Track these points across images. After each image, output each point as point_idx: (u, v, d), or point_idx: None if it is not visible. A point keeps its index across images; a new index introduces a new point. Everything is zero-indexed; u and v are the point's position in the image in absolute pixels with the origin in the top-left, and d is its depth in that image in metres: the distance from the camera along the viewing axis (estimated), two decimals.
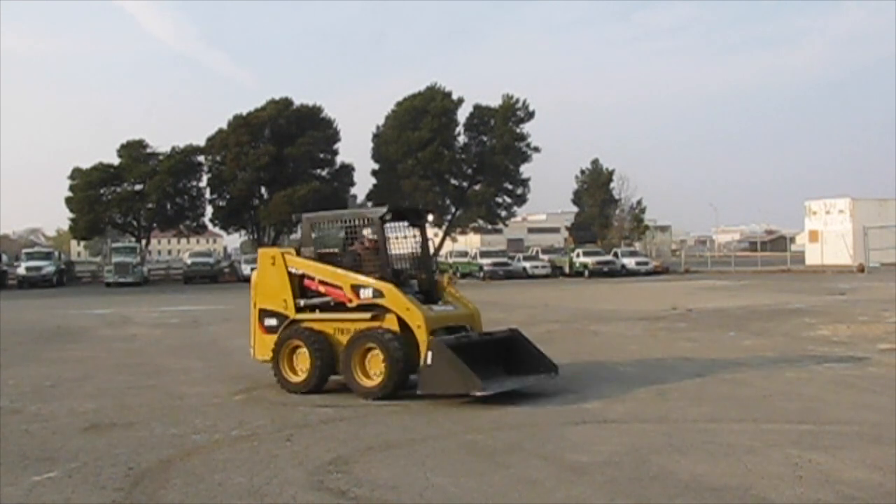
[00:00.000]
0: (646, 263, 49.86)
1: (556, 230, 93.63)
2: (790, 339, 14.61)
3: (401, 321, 9.34)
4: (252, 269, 46.19)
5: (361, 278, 9.61)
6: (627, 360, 12.34)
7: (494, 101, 60.00)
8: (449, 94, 58.93)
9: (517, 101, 59.40)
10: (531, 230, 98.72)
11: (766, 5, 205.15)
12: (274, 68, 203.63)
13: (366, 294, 9.53)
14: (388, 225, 10.22)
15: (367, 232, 10.18)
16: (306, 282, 10.11)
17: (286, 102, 58.51)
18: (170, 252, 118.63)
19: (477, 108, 59.87)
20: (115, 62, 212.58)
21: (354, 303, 9.62)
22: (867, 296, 24.12)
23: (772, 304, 22.02)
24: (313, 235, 10.63)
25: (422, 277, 10.41)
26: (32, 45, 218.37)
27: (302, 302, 10.06)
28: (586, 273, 46.93)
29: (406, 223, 10.70)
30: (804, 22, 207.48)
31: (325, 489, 5.86)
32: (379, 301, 9.46)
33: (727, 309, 21.02)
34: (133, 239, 59.78)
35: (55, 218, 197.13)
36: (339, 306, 9.79)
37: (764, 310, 20.39)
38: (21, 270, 44.86)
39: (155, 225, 60.97)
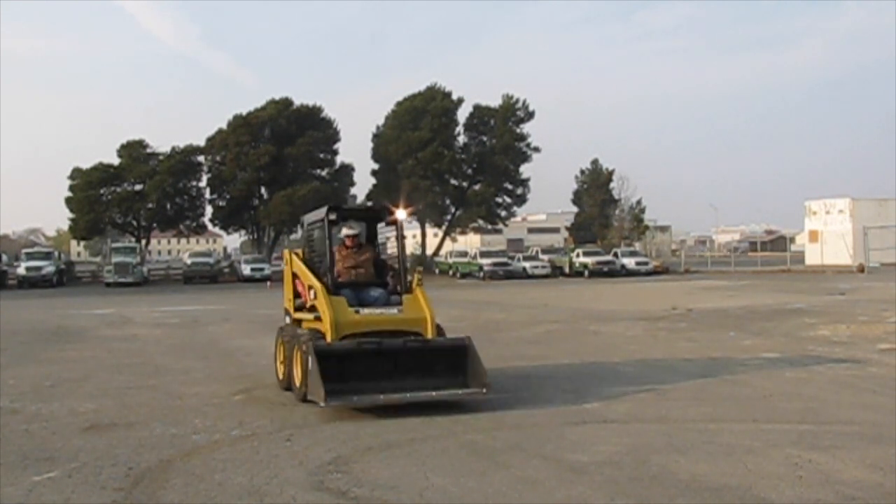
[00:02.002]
0: (646, 263, 49.88)
1: (556, 230, 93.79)
2: (790, 339, 14.62)
3: None
4: (252, 269, 46.86)
5: (313, 279, 9.49)
6: (627, 360, 12.33)
7: (494, 101, 60.18)
8: (449, 94, 58.98)
9: (517, 101, 59.49)
10: (531, 230, 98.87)
11: (766, 5, 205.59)
12: (274, 68, 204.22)
13: (311, 295, 9.47)
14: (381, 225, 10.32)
15: (344, 231, 9.96)
16: (296, 282, 10.24)
17: (286, 102, 58.56)
18: (170, 252, 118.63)
19: (477, 108, 59.93)
20: (115, 62, 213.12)
21: (309, 304, 9.61)
22: (867, 296, 24.12)
23: (772, 304, 22.02)
24: (307, 236, 10.64)
25: (393, 278, 9.99)
26: (32, 45, 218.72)
27: (296, 302, 10.23)
28: (586, 273, 46.95)
29: (382, 223, 10.50)
30: (804, 22, 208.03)
31: (325, 489, 5.85)
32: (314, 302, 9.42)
33: (727, 309, 21.03)
34: (133, 239, 59.81)
35: (55, 218, 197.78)
36: (311, 308, 9.65)
37: (764, 310, 20.40)
38: (21, 270, 44.87)
39: (155, 225, 61.00)
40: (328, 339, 8.82)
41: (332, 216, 9.71)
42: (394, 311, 9.23)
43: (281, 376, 10.01)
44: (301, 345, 8.92)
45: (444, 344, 9.17)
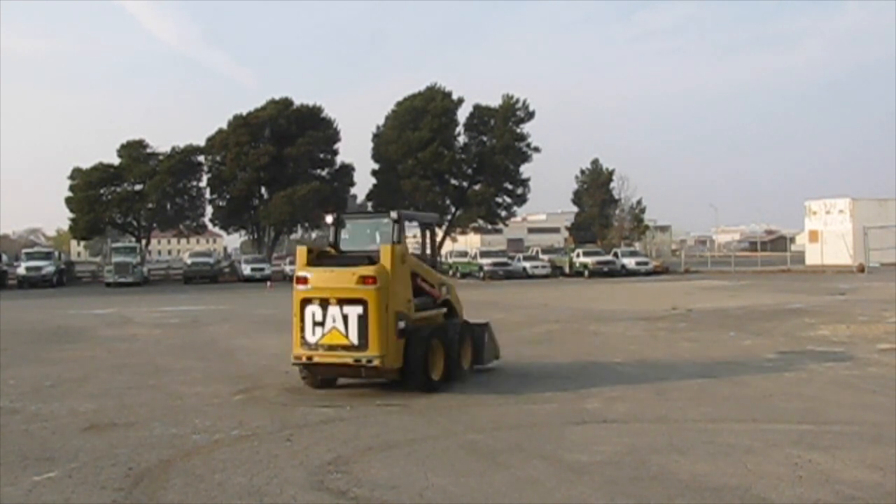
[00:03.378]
0: (646, 263, 49.82)
1: (556, 230, 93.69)
2: (790, 339, 14.62)
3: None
4: (252, 269, 46.58)
5: (444, 277, 10.74)
6: (627, 360, 12.34)
7: (494, 101, 60.01)
8: (449, 94, 58.91)
9: (517, 101, 59.38)
10: (531, 230, 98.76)
11: (766, 5, 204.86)
12: (274, 68, 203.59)
13: (444, 291, 10.68)
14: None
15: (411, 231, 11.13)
16: (419, 281, 10.11)
17: (286, 102, 58.49)
18: (170, 252, 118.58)
19: (477, 108, 59.84)
20: (115, 62, 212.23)
21: (441, 299, 10.57)
22: (867, 296, 24.11)
23: (772, 304, 22.01)
24: (344, 235, 10.73)
25: None
26: (32, 45, 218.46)
27: (416, 301, 9.98)
28: (586, 273, 46.91)
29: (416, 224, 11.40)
30: (804, 22, 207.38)
31: (325, 489, 5.86)
32: (448, 297, 10.77)
33: (727, 309, 21.02)
34: (133, 239, 59.75)
35: (55, 218, 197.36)
36: (433, 303, 10.53)
37: (764, 310, 20.39)
38: (21, 270, 44.82)
39: (155, 225, 60.97)
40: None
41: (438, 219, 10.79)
42: None
43: (435, 377, 9.66)
44: (476, 335, 11.05)
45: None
